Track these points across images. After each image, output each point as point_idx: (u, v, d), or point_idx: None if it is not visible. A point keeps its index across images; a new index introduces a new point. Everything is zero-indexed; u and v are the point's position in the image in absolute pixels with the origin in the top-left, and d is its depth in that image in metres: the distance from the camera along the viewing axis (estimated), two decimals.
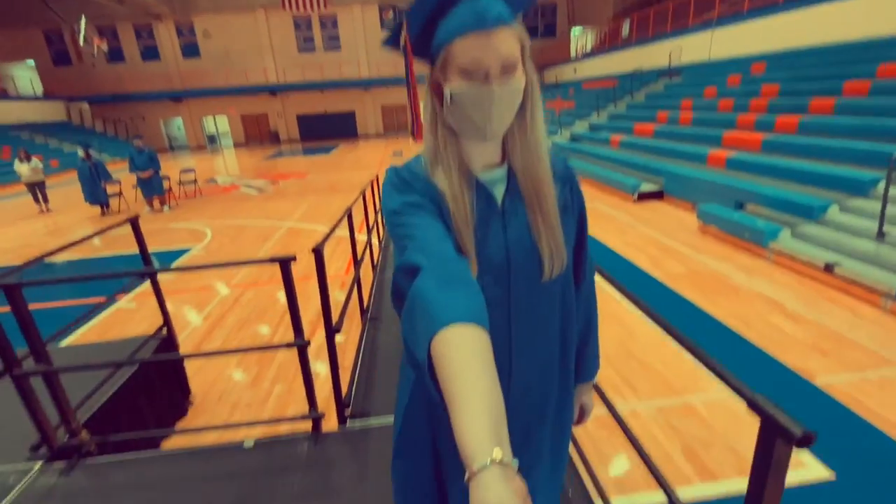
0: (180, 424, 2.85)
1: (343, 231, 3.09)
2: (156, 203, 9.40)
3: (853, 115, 6.59)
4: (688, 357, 3.28)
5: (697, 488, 2.19)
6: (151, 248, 2.46)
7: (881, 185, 4.96)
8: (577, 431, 1.77)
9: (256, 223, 8.16)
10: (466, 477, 0.43)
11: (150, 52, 25.47)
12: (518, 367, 0.85)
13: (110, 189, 9.30)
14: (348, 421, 2.01)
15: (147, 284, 2.63)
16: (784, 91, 8.40)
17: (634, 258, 5.38)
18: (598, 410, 1.14)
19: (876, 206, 4.61)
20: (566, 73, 22.71)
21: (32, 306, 1.75)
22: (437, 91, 0.75)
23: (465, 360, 0.51)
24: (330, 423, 2.01)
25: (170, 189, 9.84)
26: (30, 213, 10.13)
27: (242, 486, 1.68)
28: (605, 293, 0.91)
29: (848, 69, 7.76)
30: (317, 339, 3.53)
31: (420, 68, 0.81)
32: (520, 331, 0.83)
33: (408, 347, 0.62)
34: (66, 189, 12.91)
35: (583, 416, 1.11)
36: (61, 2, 22.21)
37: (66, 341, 3.87)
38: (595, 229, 6.48)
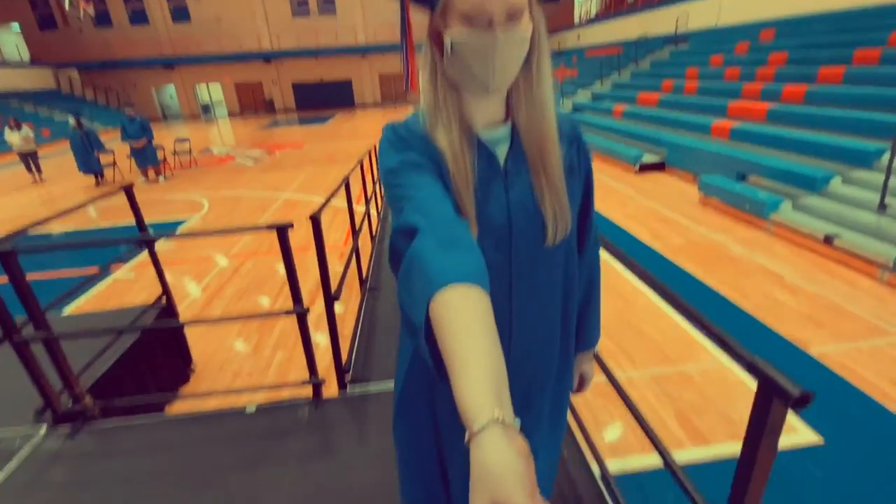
0: (183, 392, 2.89)
1: (341, 202, 3.05)
2: (151, 173, 9.28)
3: (863, 84, 6.44)
4: (684, 327, 3.31)
5: (690, 451, 2.25)
6: (148, 219, 2.44)
7: (886, 157, 4.90)
8: (574, 399, 1.80)
9: (253, 194, 8.08)
10: (467, 438, 0.42)
11: (139, 16, 24.56)
12: (518, 334, 0.83)
13: (103, 159, 9.16)
14: (348, 387, 2.04)
15: (145, 255, 2.61)
16: (792, 59, 8.18)
17: (634, 230, 5.36)
18: (595, 378, 1.14)
19: (879, 177, 4.57)
20: (569, 39, 22.03)
21: (30, 276, 1.74)
22: (436, 40, 0.71)
23: (466, 321, 0.50)
24: (330, 390, 2.03)
25: (164, 159, 9.69)
26: (23, 184, 10.00)
27: (245, 449, 1.71)
28: (604, 263, 0.90)
29: (859, 36, 7.53)
30: (316, 309, 3.55)
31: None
32: (521, 297, 0.81)
33: (404, 311, 0.60)
34: (59, 159, 12.71)
35: (582, 384, 1.10)
36: None
37: (66, 311, 3.89)
38: (595, 201, 6.49)
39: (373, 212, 4.89)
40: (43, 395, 1.83)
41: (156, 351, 2.75)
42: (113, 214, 6.90)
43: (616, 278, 3.95)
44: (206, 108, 27.49)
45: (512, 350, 0.85)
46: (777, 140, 6.28)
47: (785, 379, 0.71)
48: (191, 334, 3.19)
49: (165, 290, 2.71)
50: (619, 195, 6.89)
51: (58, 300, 1.94)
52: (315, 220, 1.66)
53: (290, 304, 1.80)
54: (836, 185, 5.06)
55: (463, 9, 0.64)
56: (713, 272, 4.18)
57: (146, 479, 1.62)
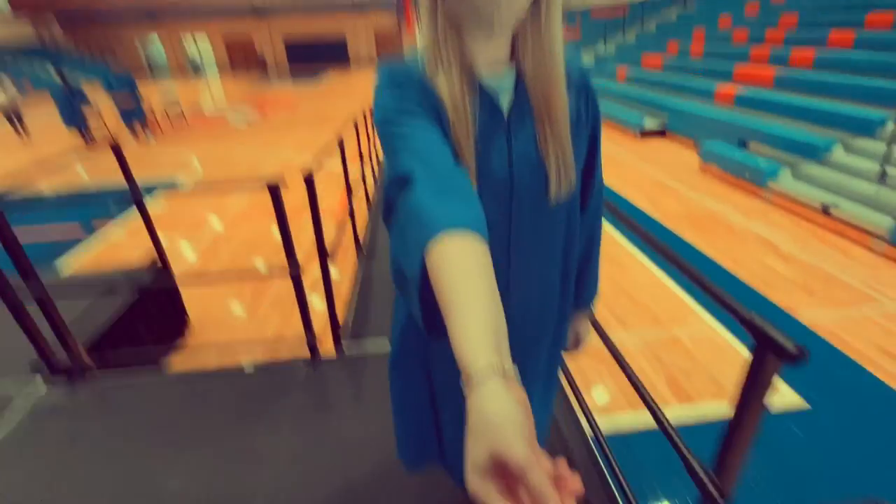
0: (181, 348, 2.91)
1: (336, 164, 2.99)
2: (139, 130, 9.02)
3: (873, 49, 6.26)
4: (677, 292, 3.34)
5: (678, 412, 2.31)
6: (138, 180, 2.38)
7: (890, 126, 4.82)
8: (565, 359, 1.83)
9: (245, 154, 7.91)
10: (464, 388, 0.41)
11: None
12: (516, 292, 0.82)
13: (88, 112, 8.85)
14: (345, 348, 2.06)
15: (138, 218, 2.56)
16: (803, 22, 7.91)
17: (633, 197, 5.33)
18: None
19: (882, 146, 4.52)
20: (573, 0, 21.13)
21: (20, 235, 1.71)
22: None
23: (464, 269, 0.48)
24: (327, 352, 2.05)
25: (153, 116, 9.41)
26: (11, 143, 9.72)
27: (243, 406, 1.74)
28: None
29: None
30: (312, 274, 3.55)
31: None
32: (520, 254, 0.79)
33: (397, 263, 0.58)
34: (45, 115, 12.31)
35: (577, 343, 1.10)
36: None
37: (60, 272, 3.86)
38: None
39: (368, 175, 4.81)
40: (39, 351, 1.83)
41: (152, 312, 2.75)
42: (103, 171, 6.75)
43: (611, 245, 3.95)
44: (196, 67, 26.47)
45: (509, 307, 0.84)
46: (781, 106, 6.16)
47: (781, 335, 0.71)
48: (187, 297, 3.18)
49: (159, 251, 2.68)
50: (619, 161, 6.81)
51: (50, 256, 1.91)
52: (308, 179, 1.62)
53: (285, 267, 1.78)
54: (837, 153, 5.01)
55: None
56: (709, 240, 4.19)
57: (145, 433, 1.65)
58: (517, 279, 0.81)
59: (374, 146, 5.45)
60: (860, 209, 4.11)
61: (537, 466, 0.35)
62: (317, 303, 3.40)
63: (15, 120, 9.60)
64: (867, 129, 5.05)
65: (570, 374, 1.78)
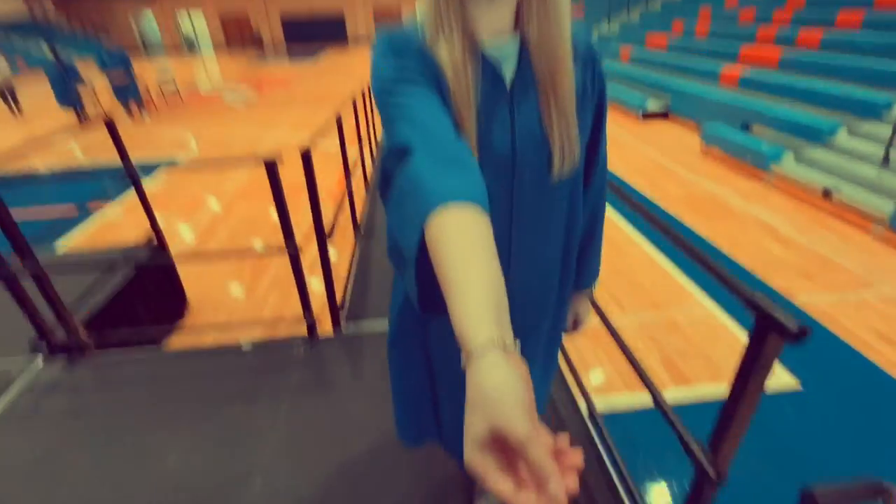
0: (179, 328, 2.92)
1: (333, 145, 2.94)
2: (134, 109, 8.87)
3: (882, 30, 6.13)
4: (674, 275, 3.35)
5: (671, 392, 2.33)
6: (134, 159, 2.35)
7: (895, 109, 4.77)
8: (563, 339, 1.85)
9: (242, 133, 7.81)
10: (464, 361, 0.40)
11: None
12: (517, 272, 0.80)
13: (82, 91, 8.70)
14: (343, 327, 2.06)
15: (134, 196, 2.53)
16: (811, 1, 7.73)
17: (634, 180, 5.29)
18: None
19: (887, 130, 4.46)
20: None
21: (16, 215, 1.69)
22: None
23: (465, 242, 0.46)
24: (325, 332, 2.05)
25: (148, 95, 9.25)
26: (4, 119, 9.57)
27: (242, 383, 1.75)
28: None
29: None
30: (310, 254, 3.53)
31: None
32: (521, 233, 0.77)
33: (394, 238, 0.57)
34: (38, 93, 12.09)
35: (577, 324, 1.09)
36: None
37: (57, 250, 3.84)
38: None
39: (367, 156, 4.75)
40: (36, 326, 1.83)
41: (150, 290, 2.74)
42: (99, 152, 6.67)
43: (609, 227, 3.93)
44: (191, 43, 25.89)
45: (509, 286, 0.83)
46: (786, 89, 6.07)
47: (783, 314, 0.70)
48: (184, 276, 3.17)
49: (156, 229, 2.65)
50: (621, 143, 6.74)
51: (45, 234, 1.89)
52: (306, 155, 1.59)
53: (283, 247, 1.77)
54: (841, 137, 4.96)
55: None
56: (709, 223, 4.18)
57: (144, 409, 1.66)
58: (518, 257, 0.79)
59: (373, 126, 5.37)
60: (861, 193, 4.09)
61: (538, 441, 0.34)
62: (315, 283, 3.40)
63: (8, 97, 9.43)
64: (873, 111, 4.98)
65: (566, 353, 1.79)
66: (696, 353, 2.60)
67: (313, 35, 25.61)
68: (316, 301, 2.05)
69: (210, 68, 18.04)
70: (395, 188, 0.56)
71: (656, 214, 1.11)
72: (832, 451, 2.01)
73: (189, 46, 25.82)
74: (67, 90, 8.33)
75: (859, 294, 3.11)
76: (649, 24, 11.64)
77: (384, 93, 0.65)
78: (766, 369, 0.77)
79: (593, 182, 0.86)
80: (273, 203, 1.63)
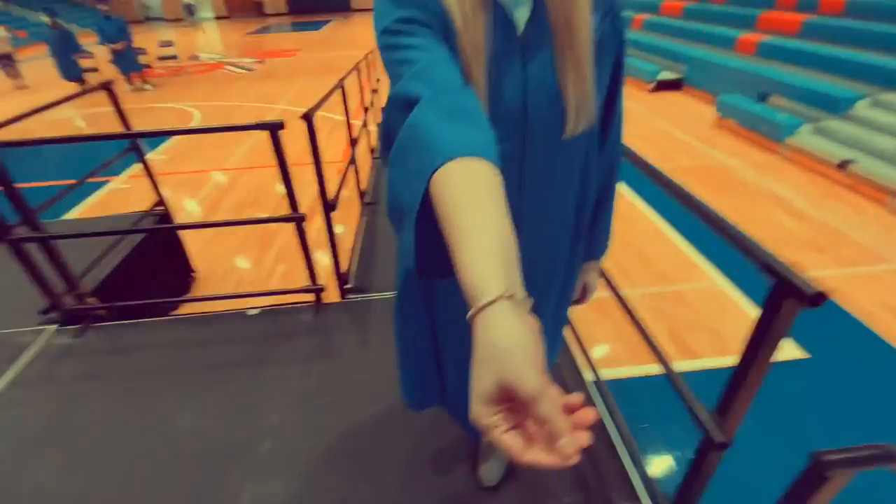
0: (186, 298, 2.95)
1: (338, 114, 2.88)
2: (136, 80, 8.75)
3: None
4: (683, 248, 3.31)
5: (677, 364, 2.34)
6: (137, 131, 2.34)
7: None
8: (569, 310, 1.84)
9: (246, 105, 7.70)
10: (470, 314, 0.38)
11: None
12: (527, 234, 0.77)
13: (84, 64, 8.58)
14: (349, 295, 2.06)
15: (138, 166, 2.52)
16: None
17: (643, 151, 5.14)
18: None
19: None
20: None
21: (20, 185, 1.68)
22: None
23: (473, 193, 0.43)
24: (331, 299, 2.06)
25: (149, 65, 9.10)
26: (5, 90, 9.50)
27: (249, 349, 1.77)
28: None
29: None
30: (316, 225, 3.52)
31: None
32: (532, 195, 0.74)
33: (394, 197, 0.54)
34: (39, 64, 11.94)
35: (584, 294, 1.07)
36: None
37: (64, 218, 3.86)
38: None
39: (372, 125, 4.68)
40: (46, 294, 1.85)
41: (156, 259, 2.76)
42: (104, 127, 6.62)
43: (618, 199, 3.87)
44: (192, 13, 25.25)
45: (519, 248, 0.80)
46: (807, 57, 5.83)
47: (799, 279, 0.68)
48: (191, 249, 3.18)
49: (160, 198, 2.64)
50: (631, 114, 6.57)
51: (49, 201, 1.89)
52: (308, 119, 1.55)
53: (287, 214, 1.75)
54: (861, 107, 4.78)
55: None
56: (721, 196, 4.10)
57: (154, 374, 1.69)
58: (529, 218, 0.76)
59: (378, 94, 5.26)
60: (879, 165, 3.97)
61: (548, 396, 0.33)
62: (321, 256, 3.41)
63: (8, 65, 9.33)
64: None
65: (572, 324, 1.79)
66: (703, 325, 2.59)
67: (316, 4, 24.87)
68: (322, 272, 2.05)
69: (212, 39, 17.66)
70: (399, 141, 0.53)
71: (668, 178, 1.08)
72: (838, 423, 2.02)
73: (190, 15, 25.21)
74: (70, 64, 8.22)
75: (872, 269, 3.06)
76: None
77: (388, 42, 0.61)
78: (780, 335, 0.75)
79: (608, 142, 0.82)
80: (278, 175, 1.61)
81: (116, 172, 4.95)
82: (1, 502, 1.29)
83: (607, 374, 2.29)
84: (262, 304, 2.02)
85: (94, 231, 2.07)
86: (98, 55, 8.85)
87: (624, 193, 3.98)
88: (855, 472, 0.68)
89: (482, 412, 0.34)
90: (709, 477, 0.98)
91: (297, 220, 1.73)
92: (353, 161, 2.77)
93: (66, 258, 1.90)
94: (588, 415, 0.34)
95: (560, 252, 0.86)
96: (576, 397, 0.35)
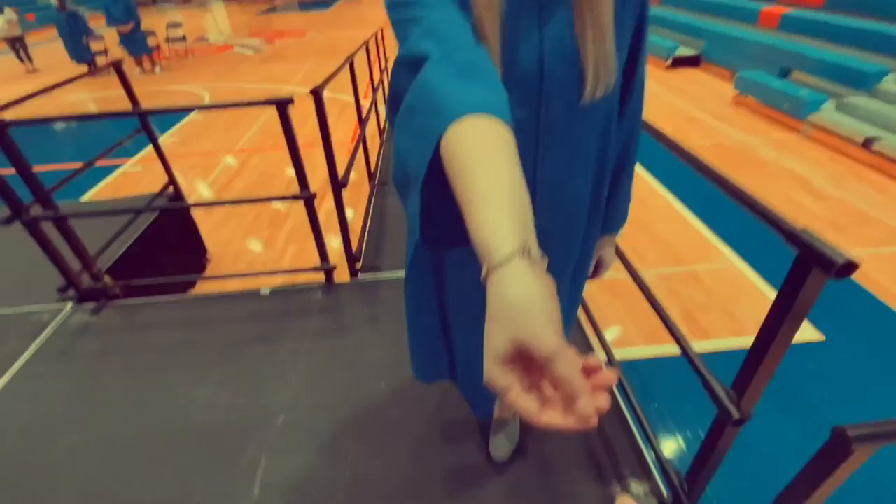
0: (201, 278, 2.98)
1: (347, 95, 2.84)
2: (146, 63, 8.74)
3: None
4: (699, 228, 3.24)
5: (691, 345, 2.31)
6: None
7: None
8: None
9: (255, 87, 7.65)
10: (484, 273, 0.36)
11: None
12: (541, 210, 0.71)
13: (94, 46, 8.58)
14: (359, 274, 2.06)
15: (150, 148, 2.54)
16: None
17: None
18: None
19: None
20: None
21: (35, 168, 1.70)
22: None
23: (485, 150, 0.41)
24: (342, 278, 2.06)
25: (158, 47, 9.06)
26: (18, 73, 9.56)
27: (262, 326, 1.78)
28: None
29: None
30: (326, 207, 3.51)
31: None
32: (548, 162, 0.71)
33: (401, 161, 0.51)
34: (50, 47, 11.97)
35: (599, 270, 1.04)
36: None
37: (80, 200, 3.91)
38: None
39: (381, 105, 4.62)
40: (62, 272, 1.88)
41: (170, 240, 2.78)
42: (114, 108, 6.64)
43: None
44: None
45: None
46: (833, 30, 5.59)
47: (828, 248, 0.65)
48: (203, 228, 3.21)
49: (171, 178, 2.65)
50: (646, 92, 6.40)
51: (62, 181, 1.90)
52: (317, 94, 1.53)
53: (299, 202, 1.74)
54: (888, 82, 4.59)
55: None
56: (738, 175, 3.98)
57: (170, 350, 1.71)
58: (544, 189, 0.73)
59: (387, 73, 5.19)
60: None
61: (566, 355, 0.31)
62: (331, 237, 3.41)
63: (19, 48, 9.37)
64: None
65: (585, 303, 1.77)
66: (718, 306, 2.55)
67: None
68: (333, 254, 2.05)
69: (219, 19, 17.52)
70: (407, 101, 0.50)
71: (683, 147, 1.04)
72: (853, 406, 1.99)
73: None
74: (79, 46, 8.22)
75: (894, 249, 2.97)
76: None
77: (396, 0, 0.58)
78: (806, 308, 0.72)
79: (628, 109, 0.78)
80: (288, 160, 1.59)
81: (128, 155, 4.98)
82: (23, 473, 1.33)
83: (619, 354, 2.28)
84: (274, 284, 2.03)
85: (107, 213, 2.09)
86: (108, 38, 8.83)
87: (637, 172, 3.90)
88: (878, 447, 0.66)
89: (496, 372, 0.33)
90: (724, 453, 0.97)
91: (307, 198, 1.72)
92: (362, 140, 2.74)
93: (80, 238, 1.92)
94: (608, 377, 0.33)
95: (576, 226, 0.83)
96: (595, 360, 0.33)
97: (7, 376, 1.63)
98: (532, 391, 0.33)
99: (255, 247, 3.36)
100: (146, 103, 2.55)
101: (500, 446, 1.31)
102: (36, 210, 1.76)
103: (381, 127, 4.39)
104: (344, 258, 2.05)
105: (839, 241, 3.06)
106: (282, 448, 1.34)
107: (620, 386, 1.49)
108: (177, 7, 22.34)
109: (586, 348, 1.70)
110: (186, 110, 1.48)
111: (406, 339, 1.00)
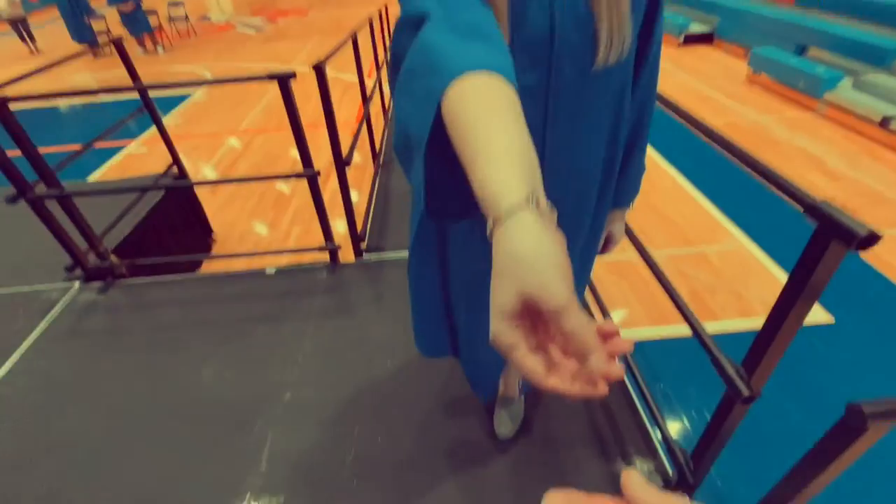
0: (205, 260, 2.99)
1: (351, 76, 2.79)
2: (148, 43, 8.64)
3: None
4: (708, 209, 3.19)
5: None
6: (151, 94, 2.31)
7: None
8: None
9: (258, 67, 7.56)
10: (490, 226, 0.34)
11: None
12: (551, 176, 0.68)
13: (95, 26, 8.48)
14: (364, 254, 2.05)
15: (152, 135, 2.53)
16: None
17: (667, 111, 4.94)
18: (606, 257, 1.06)
19: None
20: None
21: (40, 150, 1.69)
22: None
23: (489, 108, 0.39)
24: (346, 258, 2.05)
25: (160, 26, 8.95)
26: (21, 54, 9.51)
27: (267, 305, 1.79)
28: None
29: None
30: (331, 187, 3.49)
31: None
32: (558, 133, 0.67)
33: (402, 127, 0.49)
34: (53, 28, 11.86)
35: (608, 245, 1.02)
36: None
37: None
38: None
39: (385, 84, 4.54)
40: (69, 251, 1.88)
41: (175, 220, 2.78)
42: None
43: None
44: None
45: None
46: (851, 4, 5.39)
47: (848, 219, 0.63)
48: (208, 210, 3.20)
49: (175, 158, 2.64)
50: None
51: (66, 160, 1.89)
52: (319, 69, 1.49)
53: (303, 183, 1.72)
54: None
55: None
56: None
57: (177, 328, 1.72)
58: (553, 158, 0.70)
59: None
60: None
61: (576, 309, 0.29)
62: (337, 218, 3.40)
63: (23, 32, 9.29)
64: None
65: (592, 283, 1.75)
66: (726, 288, 2.53)
67: None
68: (338, 235, 2.04)
69: None
70: (406, 65, 0.48)
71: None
72: (862, 387, 1.97)
73: None
74: (81, 26, 8.13)
75: None
76: None
77: None
78: (823, 283, 0.70)
79: (643, 77, 0.74)
80: (292, 140, 1.56)
81: (132, 135, 4.97)
82: (32, 448, 1.36)
83: (625, 336, 2.27)
84: (280, 264, 2.03)
85: (112, 192, 2.08)
86: (109, 18, 8.73)
87: (648, 154, 3.83)
88: (893, 425, 0.64)
89: (502, 328, 0.31)
90: (731, 431, 0.97)
91: (311, 176, 1.70)
92: (367, 119, 2.70)
93: (86, 218, 1.92)
94: (623, 344, 0.31)
95: (586, 199, 0.80)
96: (611, 324, 0.32)
97: (17, 354, 1.64)
98: (539, 353, 0.31)
99: (260, 228, 3.36)
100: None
101: (504, 424, 1.31)
102: (41, 189, 1.75)
103: (386, 107, 4.32)
104: (349, 239, 2.04)
105: None
106: (288, 424, 1.35)
107: (626, 365, 1.48)
108: None
109: None
110: (186, 85, 1.45)
111: (410, 318, 0.99)
